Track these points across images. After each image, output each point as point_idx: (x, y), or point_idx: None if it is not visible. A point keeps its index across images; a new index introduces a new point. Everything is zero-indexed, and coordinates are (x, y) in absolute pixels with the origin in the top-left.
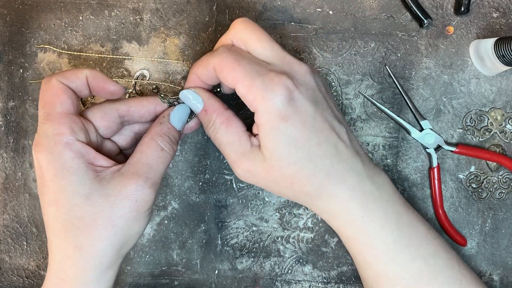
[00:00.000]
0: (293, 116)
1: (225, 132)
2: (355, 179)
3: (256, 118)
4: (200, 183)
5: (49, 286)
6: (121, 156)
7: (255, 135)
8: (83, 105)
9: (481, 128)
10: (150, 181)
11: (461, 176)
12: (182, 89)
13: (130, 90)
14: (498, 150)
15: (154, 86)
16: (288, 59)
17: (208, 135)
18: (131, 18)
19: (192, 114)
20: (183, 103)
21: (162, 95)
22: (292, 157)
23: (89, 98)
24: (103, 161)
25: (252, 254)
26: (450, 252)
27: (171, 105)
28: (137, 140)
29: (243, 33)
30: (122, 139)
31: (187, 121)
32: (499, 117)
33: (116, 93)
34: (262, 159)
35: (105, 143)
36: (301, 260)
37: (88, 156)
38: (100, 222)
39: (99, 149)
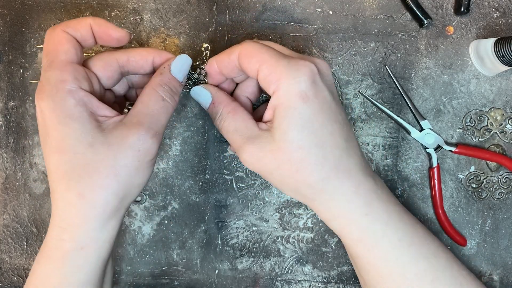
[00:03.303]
0: (313, 99)
1: (232, 120)
2: (361, 176)
3: (274, 98)
4: (200, 183)
5: (51, 236)
6: (116, 105)
7: (264, 122)
8: None
9: (481, 128)
10: (152, 131)
11: (461, 176)
12: (189, 81)
13: None
14: (498, 150)
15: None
16: (309, 56)
17: (217, 126)
18: (131, 18)
19: (194, 76)
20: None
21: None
22: (303, 140)
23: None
24: (106, 111)
25: (252, 254)
26: (448, 252)
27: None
28: (131, 89)
29: (256, 43)
30: (118, 87)
31: (189, 85)
32: (499, 117)
33: (122, 40)
34: (270, 141)
35: (106, 94)
36: (301, 260)
37: (90, 105)
38: (103, 170)
39: (101, 99)
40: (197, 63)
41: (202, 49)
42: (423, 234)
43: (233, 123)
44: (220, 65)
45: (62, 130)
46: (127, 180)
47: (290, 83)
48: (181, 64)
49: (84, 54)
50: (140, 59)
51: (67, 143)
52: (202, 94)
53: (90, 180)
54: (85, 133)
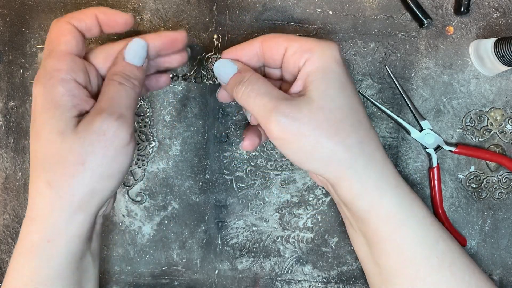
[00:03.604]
0: (344, 67)
1: (262, 83)
2: (383, 150)
3: (308, 65)
4: (200, 183)
5: (22, 228)
6: None
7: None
8: None
9: (481, 128)
10: (116, 114)
11: (461, 176)
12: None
13: None
14: (497, 150)
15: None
16: None
17: (239, 93)
18: None
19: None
20: (142, 45)
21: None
22: (341, 101)
23: None
24: (92, 105)
25: (252, 254)
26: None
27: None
28: None
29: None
30: None
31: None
32: (498, 117)
33: (128, 23)
34: (308, 102)
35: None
36: (301, 260)
37: (78, 98)
38: (70, 158)
39: (96, 91)
40: (208, 55)
41: (214, 39)
42: (434, 217)
43: (264, 86)
44: (239, 53)
45: (44, 116)
46: (95, 169)
47: (324, 50)
48: (135, 50)
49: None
50: None
51: (45, 129)
52: (227, 65)
53: (58, 168)
54: (61, 121)
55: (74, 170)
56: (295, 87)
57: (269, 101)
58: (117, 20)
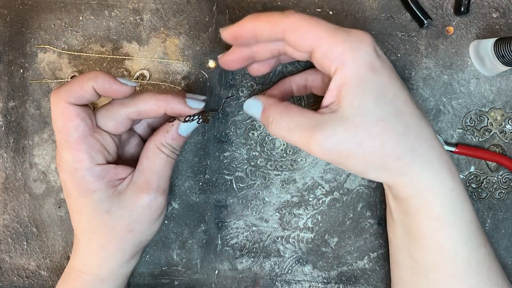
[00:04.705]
0: (381, 69)
1: (288, 117)
2: (440, 146)
3: (339, 75)
4: (200, 183)
5: (74, 267)
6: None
7: (325, 107)
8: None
9: (481, 128)
10: (161, 189)
11: (460, 176)
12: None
13: None
14: (497, 150)
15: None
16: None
17: (274, 133)
18: (131, 18)
19: (200, 119)
20: (196, 120)
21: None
22: (381, 112)
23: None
24: (122, 173)
25: (252, 254)
26: None
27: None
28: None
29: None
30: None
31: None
32: (498, 117)
33: (126, 93)
34: (343, 120)
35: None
36: (301, 260)
37: (108, 176)
38: (120, 228)
39: (115, 152)
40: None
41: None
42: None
43: (291, 120)
44: (259, 33)
45: (81, 200)
46: (141, 233)
47: (356, 56)
48: (192, 126)
49: None
50: (151, 112)
51: (86, 209)
52: (253, 105)
53: (109, 236)
54: (102, 201)
55: (124, 237)
56: (328, 98)
57: (303, 134)
58: (114, 90)
